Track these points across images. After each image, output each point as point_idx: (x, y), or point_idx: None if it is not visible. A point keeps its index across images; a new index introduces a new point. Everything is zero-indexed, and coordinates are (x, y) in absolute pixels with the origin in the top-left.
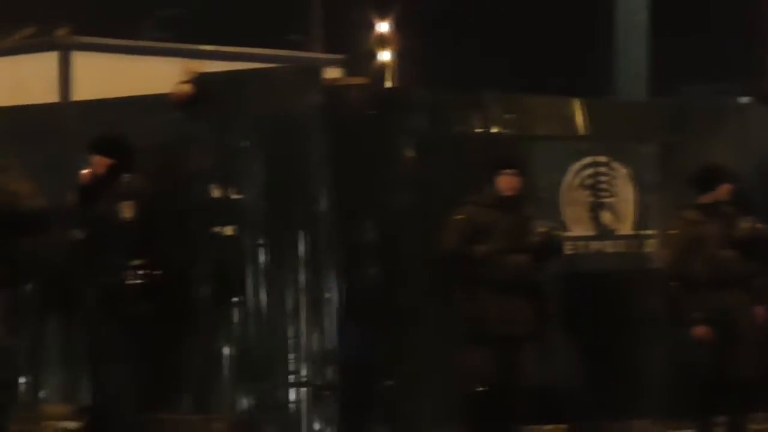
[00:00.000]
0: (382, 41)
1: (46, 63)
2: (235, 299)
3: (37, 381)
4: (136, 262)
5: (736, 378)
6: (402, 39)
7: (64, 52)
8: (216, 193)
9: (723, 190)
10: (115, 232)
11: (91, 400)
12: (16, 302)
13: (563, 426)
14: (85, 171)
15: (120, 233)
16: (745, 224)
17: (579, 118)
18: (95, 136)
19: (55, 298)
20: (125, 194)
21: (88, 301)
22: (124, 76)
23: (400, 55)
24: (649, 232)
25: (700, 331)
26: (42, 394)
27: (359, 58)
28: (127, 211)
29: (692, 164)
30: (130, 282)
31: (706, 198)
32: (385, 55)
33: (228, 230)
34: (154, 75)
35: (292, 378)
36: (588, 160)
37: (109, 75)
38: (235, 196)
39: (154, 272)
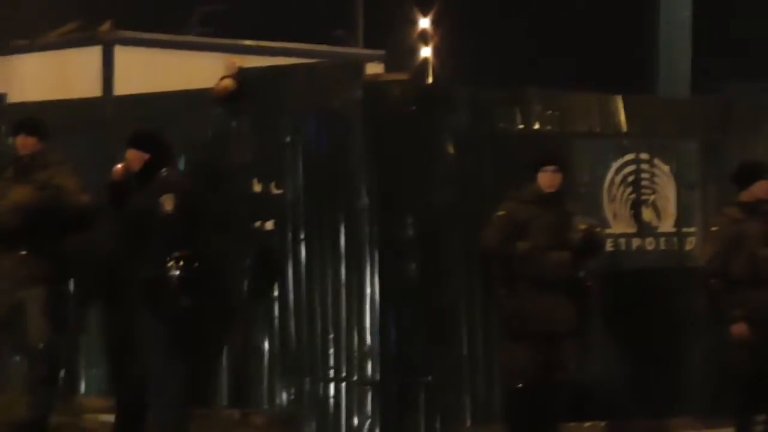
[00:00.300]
0: (424, 37)
1: (89, 57)
2: (275, 294)
3: (78, 374)
4: (177, 255)
5: None
6: (443, 35)
7: (107, 46)
8: (257, 188)
9: (763, 187)
10: (156, 225)
11: (127, 393)
12: (61, 298)
13: (602, 423)
14: (118, 166)
15: (161, 226)
16: None
17: (621, 115)
18: (132, 131)
19: (98, 292)
20: (165, 188)
21: (129, 294)
22: (166, 71)
23: (441, 51)
24: (691, 229)
25: (739, 329)
26: (82, 387)
27: (400, 53)
28: (167, 204)
29: (734, 162)
30: (171, 275)
31: (747, 195)
32: (426, 51)
33: (269, 225)
34: (196, 70)
35: (331, 373)
36: (630, 157)
37: (151, 70)
38: (276, 191)
39: (194, 265)
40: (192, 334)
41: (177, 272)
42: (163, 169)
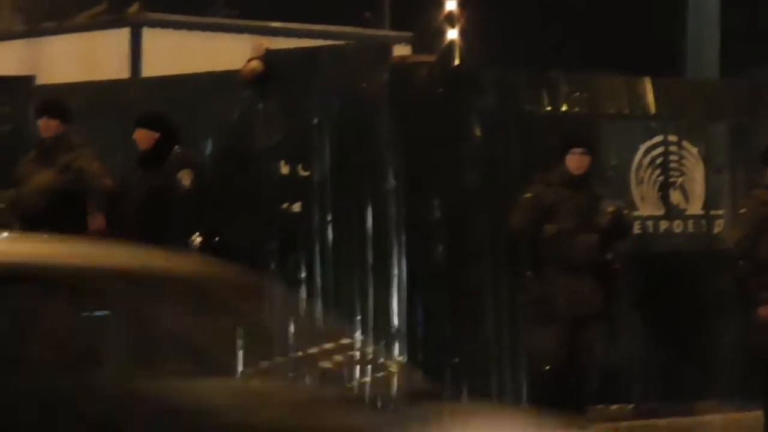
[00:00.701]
0: (450, 19)
1: (117, 39)
2: (302, 276)
3: None
4: (199, 229)
5: None
6: (470, 17)
7: (135, 28)
8: (284, 170)
9: None
10: (175, 200)
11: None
12: None
13: (629, 406)
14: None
15: (180, 202)
16: None
17: (649, 97)
18: (141, 112)
19: None
20: (181, 164)
21: None
22: (193, 53)
23: (468, 34)
24: (719, 212)
25: (766, 311)
26: None
27: (427, 36)
28: (185, 179)
29: (762, 144)
30: (193, 248)
31: None
32: (453, 33)
33: (296, 207)
34: (224, 52)
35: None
36: (658, 139)
37: (179, 51)
38: (303, 173)
39: (215, 240)
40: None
41: (199, 245)
42: (176, 147)
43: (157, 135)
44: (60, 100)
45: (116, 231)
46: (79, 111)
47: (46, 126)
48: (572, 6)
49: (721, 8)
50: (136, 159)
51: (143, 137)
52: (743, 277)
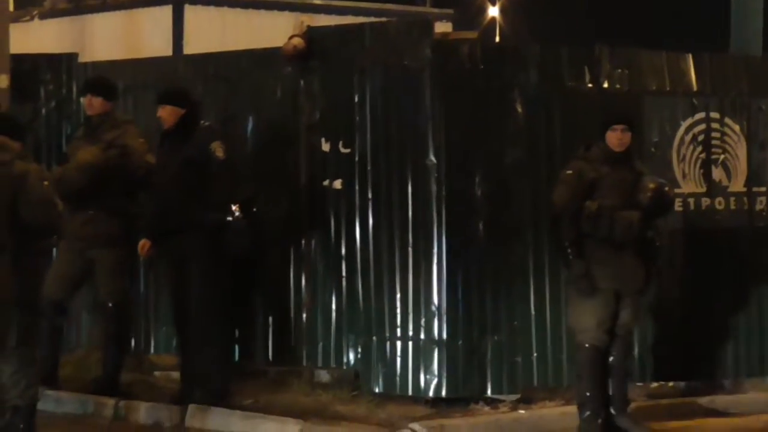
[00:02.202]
0: None
1: (159, 17)
2: (343, 253)
3: (149, 333)
4: (239, 200)
5: None
6: None
7: (177, 5)
8: (325, 146)
9: None
10: (210, 172)
11: (191, 349)
12: (129, 257)
13: (669, 384)
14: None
15: (217, 173)
16: None
17: (691, 74)
18: (164, 88)
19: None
20: (211, 136)
21: (189, 242)
22: (235, 30)
23: (509, 11)
24: (761, 189)
25: None
26: (152, 344)
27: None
28: (219, 151)
29: None
30: (236, 218)
31: None
32: (494, 11)
33: (337, 184)
34: (266, 29)
35: (398, 332)
36: (700, 116)
37: (221, 28)
38: (344, 150)
39: (253, 210)
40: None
41: (240, 215)
42: (202, 121)
43: (182, 111)
44: (105, 78)
45: (154, 204)
46: (121, 88)
47: (90, 103)
48: None
49: None
50: (162, 136)
51: (169, 114)
52: None
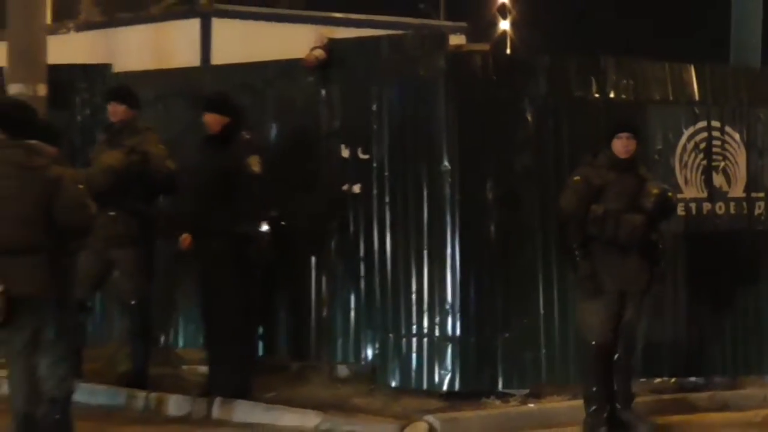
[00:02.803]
0: (502, 11)
1: (188, 29)
2: (361, 254)
3: (176, 328)
4: (268, 215)
5: None
6: (521, 8)
7: (205, 18)
8: (345, 152)
9: None
10: (243, 183)
11: (218, 345)
12: (149, 256)
13: (672, 380)
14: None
15: (250, 186)
16: None
17: (694, 84)
18: (210, 96)
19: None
20: (250, 149)
21: (216, 248)
22: (260, 42)
23: (519, 24)
24: (760, 194)
25: None
26: (179, 340)
27: (481, 26)
28: (255, 165)
29: None
30: (263, 231)
31: None
32: (505, 24)
33: (356, 188)
34: (289, 41)
35: (413, 329)
36: (701, 124)
37: (247, 40)
38: (362, 156)
39: (281, 224)
40: (280, 288)
41: (268, 228)
42: (243, 132)
43: (226, 119)
44: (127, 87)
45: (183, 208)
46: (152, 97)
47: (114, 111)
48: None
49: None
50: (203, 141)
51: (214, 121)
52: None
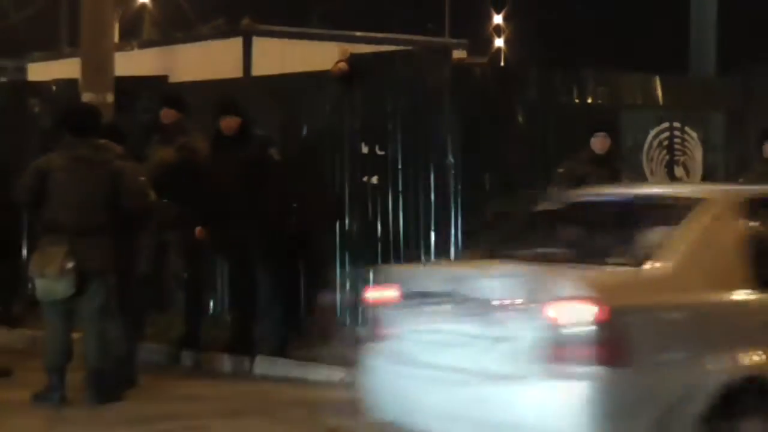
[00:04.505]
0: (497, 30)
1: (232, 46)
2: (379, 234)
3: (223, 298)
4: (293, 204)
5: None
6: (514, 27)
7: (247, 37)
8: (364, 150)
9: None
10: (268, 172)
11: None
12: (189, 240)
13: None
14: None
15: (274, 173)
16: None
17: (659, 91)
18: (222, 100)
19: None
20: (268, 142)
21: (248, 227)
22: (293, 57)
23: (512, 40)
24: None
25: None
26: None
27: (480, 42)
28: (275, 154)
29: (751, 130)
30: (290, 217)
31: None
32: (499, 41)
33: (374, 180)
34: (317, 56)
35: None
36: (665, 125)
37: (282, 55)
38: (379, 153)
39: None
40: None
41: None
42: (256, 130)
43: (240, 120)
44: (177, 94)
45: (217, 198)
46: (202, 103)
47: (166, 114)
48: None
49: (717, 18)
50: (226, 143)
51: (234, 123)
52: None
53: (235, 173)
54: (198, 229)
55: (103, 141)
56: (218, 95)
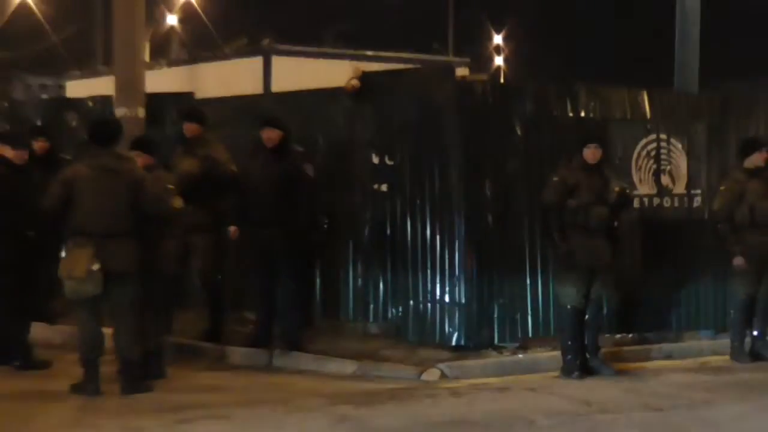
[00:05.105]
0: (497, 50)
1: (253, 65)
2: (388, 237)
3: (244, 296)
4: (320, 216)
5: (766, 299)
6: (513, 47)
7: (267, 56)
8: (375, 159)
9: (762, 157)
10: (300, 185)
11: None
12: (219, 240)
13: (629, 335)
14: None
15: (306, 187)
16: None
17: (646, 105)
18: (267, 116)
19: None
20: (304, 158)
21: (278, 234)
22: (309, 74)
23: (510, 59)
24: (697, 191)
25: (738, 261)
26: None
27: (481, 61)
28: (310, 170)
29: (732, 141)
30: (320, 224)
31: (749, 162)
32: (499, 60)
33: (384, 187)
34: (331, 73)
35: (429, 296)
36: (652, 137)
37: (299, 73)
38: (389, 162)
39: (325, 225)
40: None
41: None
42: (294, 145)
43: (282, 134)
44: (198, 109)
45: (252, 202)
46: (225, 117)
47: (188, 128)
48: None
49: (701, 37)
50: (265, 153)
51: (275, 135)
52: (723, 235)
53: (270, 182)
54: (233, 228)
55: (122, 151)
56: (240, 109)
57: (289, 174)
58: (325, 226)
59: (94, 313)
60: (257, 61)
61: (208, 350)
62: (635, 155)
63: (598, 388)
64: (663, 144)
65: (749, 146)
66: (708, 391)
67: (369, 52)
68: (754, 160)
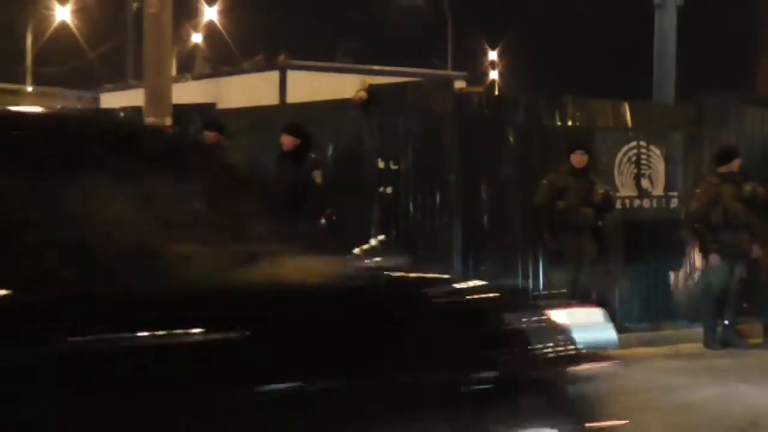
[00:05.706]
0: (492, 64)
1: (270, 79)
2: (393, 236)
3: None
4: (326, 213)
5: (736, 292)
6: (506, 63)
7: (282, 71)
8: (381, 165)
9: (735, 164)
10: (309, 191)
11: None
12: None
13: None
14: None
15: (313, 193)
16: (748, 187)
17: (627, 115)
18: (288, 122)
19: None
20: (315, 166)
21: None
22: (321, 87)
23: (504, 74)
24: (674, 193)
25: (714, 259)
26: None
27: (477, 74)
28: (318, 178)
29: (706, 148)
30: (321, 224)
31: (724, 168)
32: (494, 74)
33: (389, 190)
34: (341, 86)
35: None
36: (633, 144)
37: (312, 86)
38: (393, 167)
39: (333, 218)
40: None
41: (324, 222)
42: (311, 153)
43: (298, 141)
44: (216, 119)
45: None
46: (244, 126)
47: (208, 136)
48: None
49: (677, 52)
50: (279, 157)
51: (289, 141)
52: (699, 234)
53: (281, 185)
54: None
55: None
56: (258, 119)
57: (300, 179)
58: (333, 218)
59: None
60: (274, 75)
61: None
62: (618, 161)
63: None
64: (643, 150)
65: (727, 154)
66: (683, 375)
67: (375, 67)
68: (732, 166)
